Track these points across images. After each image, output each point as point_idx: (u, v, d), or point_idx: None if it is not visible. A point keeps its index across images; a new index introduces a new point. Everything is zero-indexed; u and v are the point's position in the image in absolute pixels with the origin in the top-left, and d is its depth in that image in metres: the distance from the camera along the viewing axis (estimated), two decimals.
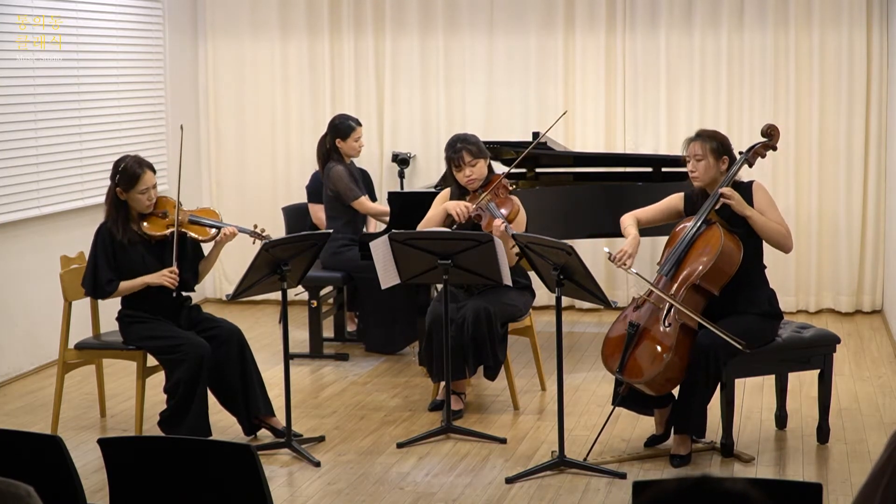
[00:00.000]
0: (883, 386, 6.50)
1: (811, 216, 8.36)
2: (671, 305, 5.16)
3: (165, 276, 5.53)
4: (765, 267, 5.36)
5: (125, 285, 5.56)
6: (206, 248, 5.82)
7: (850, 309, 8.39)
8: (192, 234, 5.67)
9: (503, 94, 8.64)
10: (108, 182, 5.57)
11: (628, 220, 5.46)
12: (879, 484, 2.12)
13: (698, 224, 5.25)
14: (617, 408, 5.42)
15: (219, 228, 5.68)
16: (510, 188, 6.06)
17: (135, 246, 5.57)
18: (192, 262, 5.72)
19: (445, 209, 6.01)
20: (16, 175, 6.92)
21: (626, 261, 5.25)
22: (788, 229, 5.26)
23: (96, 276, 5.55)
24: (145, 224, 5.59)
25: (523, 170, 7.69)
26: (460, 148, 6.01)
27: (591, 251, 8.21)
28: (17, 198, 6.94)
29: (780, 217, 5.28)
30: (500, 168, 6.91)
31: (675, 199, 5.46)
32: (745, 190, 5.26)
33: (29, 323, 7.08)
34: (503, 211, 5.90)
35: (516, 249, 5.65)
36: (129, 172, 5.52)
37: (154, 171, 5.60)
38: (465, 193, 6.09)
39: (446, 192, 6.19)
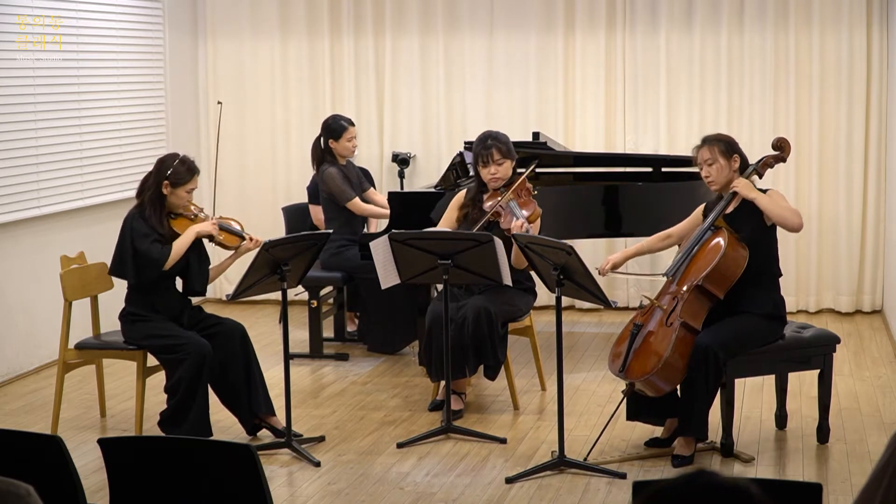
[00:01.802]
0: (883, 386, 6.50)
1: (811, 216, 8.36)
2: (675, 306, 5.17)
3: (210, 225, 5.59)
4: (779, 274, 5.37)
5: (173, 253, 5.52)
6: (222, 253, 5.84)
7: (850, 309, 8.39)
8: (219, 240, 5.70)
9: (503, 94, 8.64)
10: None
11: (648, 237, 5.64)
12: (880, 484, 2.12)
13: (704, 230, 5.28)
14: (629, 420, 5.44)
15: (244, 238, 5.74)
16: (533, 192, 6.06)
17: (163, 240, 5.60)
18: (203, 264, 5.74)
19: None
20: (16, 175, 6.92)
21: (605, 268, 5.42)
22: (797, 210, 5.28)
23: (138, 265, 5.50)
24: (174, 223, 5.62)
25: (523, 169, 7.68)
26: (491, 145, 5.99)
27: (591, 251, 8.21)
28: (17, 198, 6.94)
29: (789, 205, 5.31)
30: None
31: (697, 211, 5.52)
32: None
33: (29, 323, 7.08)
34: (524, 212, 5.89)
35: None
36: (183, 169, 5.57)
37: (199, 174, 5.69)
38: (484, 191, 6.07)
39: (461, 194, 6.16)
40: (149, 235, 5.51)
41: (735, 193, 5.27)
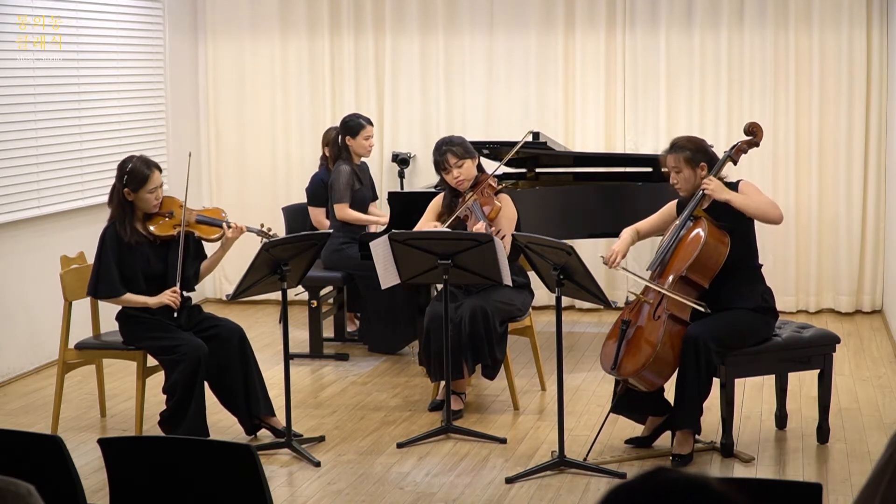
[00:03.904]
0: (883, 386, 6.50)
1: (811, 216, 8.36)
2: (661, 299, 5.20)
3: (167, 296, 5.53)
4: (760, 265, 5.38)
5: (125, 297, 5.54)
6: (211, 248, 5.81)
7: (850, 309, 8.39)
8: (199, 234, 5.66)
9: (503, 94, 8.64)
10: (109, 182, 5.57)
11: (626, 230, 5.52)
12: (880, 484, 2.11)
13: (684, 221, 5.29)
14: (612, 412, 5.44)
15: (226, 226, 5.65)
16: (497, 187, 6.09)
17: (140, 247, 5.56)
18: (195, 261, 5.72)
19: None
20: (16, 175, 6.92)
21: (617, 259, 5.33)
22: (774, 202, 5.28)
23: (98, 279, 5.53)
24: (151, 224, 5.58)
25: (523, 170, 7.69)
26: (445, 150, 6.04)
27: (591, 251, 8.20)
28: (17, 198, 6.94)
29: (766, 196, 5.29)
30: (496, 167, 6.90)
31: (669, 207, 5.51)
32: (732, 189, 5.29)
33: (29, 323, 7.08)
34: (486, 209, 5.94)
35: (507, 247, 5.72)
36: (137, 173, 5.49)
37: (160, 171, 5.59)
38: (457, 195, 6.10)
39: (439, 197, 6.21)
40: (107, 265, 5.47)
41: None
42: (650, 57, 8.46)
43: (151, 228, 5.57)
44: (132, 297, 5.54)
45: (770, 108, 8.34)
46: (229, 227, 5.65)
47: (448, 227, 5.95)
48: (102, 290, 5.54)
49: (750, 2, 8.31)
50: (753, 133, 5.49)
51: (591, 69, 8.53)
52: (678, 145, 5.34)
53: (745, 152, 5.48)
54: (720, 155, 5.44)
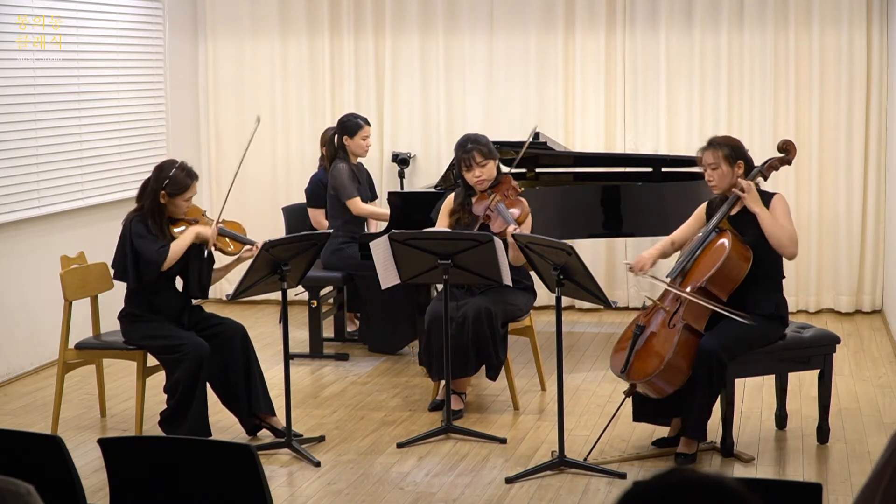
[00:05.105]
0: (883, 386, 6.50)
1: (811, 216, 8.36)
2: (678, 307, 5.17)
3: (214, 229, 5.55)
4: (783, 276, 5.36)
5: (176, 246, 5.50)
6: (223, 258, 5.83)
7: (850, 309, 8.39)
8: (221, 247, 5.69)
9: (503, 94, 8.64)
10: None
11: (662, 240, 5.54)
12: (880, 484, 2.12)
13: (709, 232, 5.26)
14: (636, 420, 5.43)
15: (246, 244, 5.70)
16: (519, 189, 6.06)
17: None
18: (209, 270, 5.74)
19: None
20: (16, 175, 6.92)
21: (645, 267, 5.33)
22: (796, 237, 5.23)
23: (147, 256, 5.47)
24: (175, 227, 5.60)
25: (523, 170, 7.69)
26: (471, 148, 5.99)
27: (591, 251, 8.22)
28: (17, 198, 6.94)
29: (792, 226, 5.26)
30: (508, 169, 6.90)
31: (699, 212, 5.47)
32: (766, 200, 5.26)
33: (29, 323, 7.08)
34: (514, 211, 5.89)
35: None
36: (179, 179, 5.51)
37: (198, 180, 5.63)
38: (472, 194, 6.08)
39: (450, 198, 6.16)
40: (145, 237, 5.49)
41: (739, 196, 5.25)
42: (650, 57, 8.46)
43: (175, 231, 5.59)
44: (175, 246, 5.50)
45: (770, 107, 8.34)
46: (253, 245, 5.67)
47: (476, 229, 5.87)
48: (146, 274, 5.47)
49: (750, 2, 8.31)
50: (787, 150, 5.46)
51: (591, 69, 8.53)
52: (717, 142, 5.32)
53: (777, 169, 5.45)
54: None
